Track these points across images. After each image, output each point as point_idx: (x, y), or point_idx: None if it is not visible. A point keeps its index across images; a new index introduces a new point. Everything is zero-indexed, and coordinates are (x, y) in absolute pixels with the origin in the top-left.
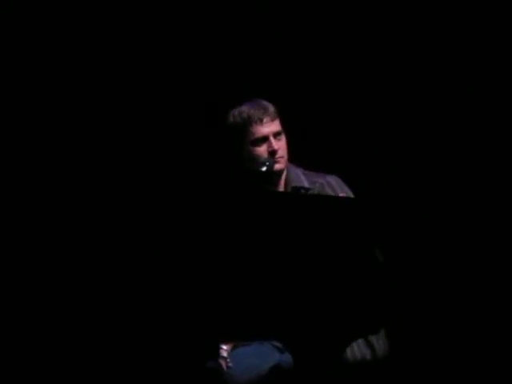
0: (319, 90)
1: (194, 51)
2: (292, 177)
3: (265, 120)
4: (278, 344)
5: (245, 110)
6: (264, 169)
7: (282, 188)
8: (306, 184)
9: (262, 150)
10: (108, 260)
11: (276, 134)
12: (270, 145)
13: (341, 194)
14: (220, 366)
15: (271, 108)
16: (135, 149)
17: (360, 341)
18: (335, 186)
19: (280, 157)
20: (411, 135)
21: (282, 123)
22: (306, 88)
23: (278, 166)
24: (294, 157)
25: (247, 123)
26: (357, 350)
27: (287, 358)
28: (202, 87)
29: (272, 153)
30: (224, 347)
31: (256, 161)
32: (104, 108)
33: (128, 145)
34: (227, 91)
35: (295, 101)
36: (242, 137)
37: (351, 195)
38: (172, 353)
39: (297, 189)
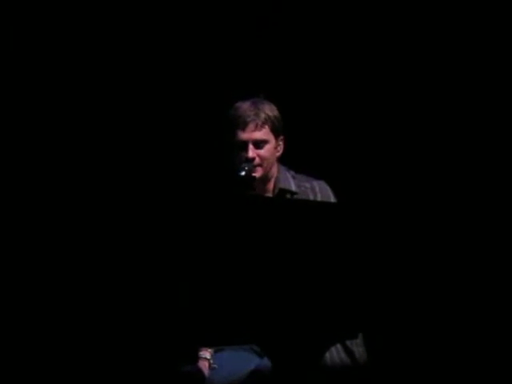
0: (316, 90)
1: (192, 51)
2: (281, 179)
3: (248, 126)
4: (257, 348)
5: (239, 108)
6: (242, 173)
7: (270, 189)
8: (293, 187)
9: (242, 154)
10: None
11: (257, 142)
12: (246, 152)
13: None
14: (199, 370)
15: (263, 114)
16: (133, 149)
17: (339, 346)
18: (317, 192)
19: (257, 165)
20: (407, 136)
21: (284, 124)
22: (303, 88)
23: (253, 174)
24: (290, 157)
25: (235, 124)
26: (336, 355)
27: (266, 362)
28: (199, 87)
29: (247, 160)
30: (208, 349)
31: (237, 163)
32: (102, 108)
33: (125, 145)
34: (224, 90)
35: (293, 101)
36: (230, 136)
37: (332, 201)
38: (151, 357)
39: (283, 191)
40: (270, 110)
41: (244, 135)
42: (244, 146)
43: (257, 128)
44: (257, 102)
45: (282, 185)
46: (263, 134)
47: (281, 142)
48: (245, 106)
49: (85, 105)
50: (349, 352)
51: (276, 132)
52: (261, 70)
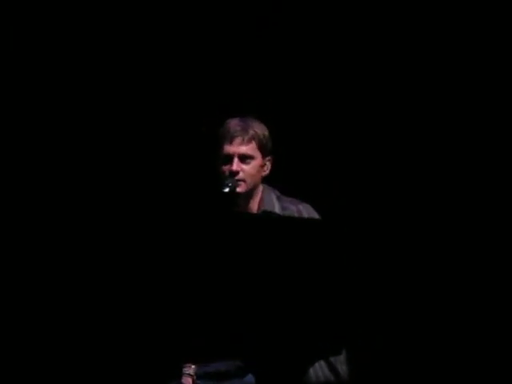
0: (303, 109)
1: (191, 57)
2: (265, 200)
3: (236, 140)
4: (241, 364)
5: (229, 123)
6: (226, 190)
7: (254, 209)
8: (277, 209)
9: (226, 168)
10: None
11: (243, 157)
12: (231, 165)
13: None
14: None
15: (251, 130)
16: (129, 151)
17: (323, 364)
18: (304, 215)
19: (240, 180)
20: (392, 154)
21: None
22: (291, 106)
23: (237, 189)
24: (275, 176)
25: (223, 138)
26: (320, 372)
27: (250, 378)
28: (194, 93)
29: (231, 173)
30: (191, 366)
31: (221, 177)
32: (100, 109)
33: (122, 146)
34: (216, 95)
35: (282, 120)
36: (218, 150)
37: None
38: (136, 373)
39: (267, 213)
40: (258, 128)
41: (230, 148)
42: (229, 159)
43: (243, 142)
44: (246, 119)
45: (266, 206)
46: (249, 149)
47: (268, 163)
48: (234, 122)
49: (82, 110)
50: (332, 369)
51: (263, 150)
52: (256, 78)
